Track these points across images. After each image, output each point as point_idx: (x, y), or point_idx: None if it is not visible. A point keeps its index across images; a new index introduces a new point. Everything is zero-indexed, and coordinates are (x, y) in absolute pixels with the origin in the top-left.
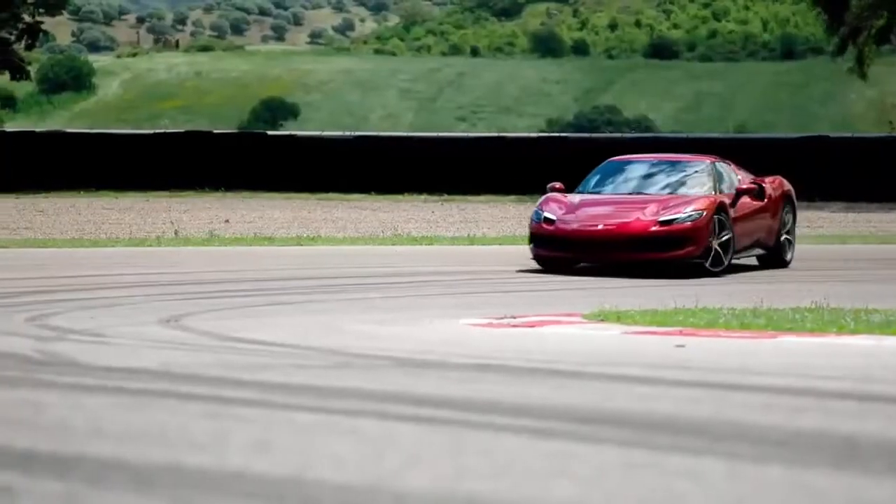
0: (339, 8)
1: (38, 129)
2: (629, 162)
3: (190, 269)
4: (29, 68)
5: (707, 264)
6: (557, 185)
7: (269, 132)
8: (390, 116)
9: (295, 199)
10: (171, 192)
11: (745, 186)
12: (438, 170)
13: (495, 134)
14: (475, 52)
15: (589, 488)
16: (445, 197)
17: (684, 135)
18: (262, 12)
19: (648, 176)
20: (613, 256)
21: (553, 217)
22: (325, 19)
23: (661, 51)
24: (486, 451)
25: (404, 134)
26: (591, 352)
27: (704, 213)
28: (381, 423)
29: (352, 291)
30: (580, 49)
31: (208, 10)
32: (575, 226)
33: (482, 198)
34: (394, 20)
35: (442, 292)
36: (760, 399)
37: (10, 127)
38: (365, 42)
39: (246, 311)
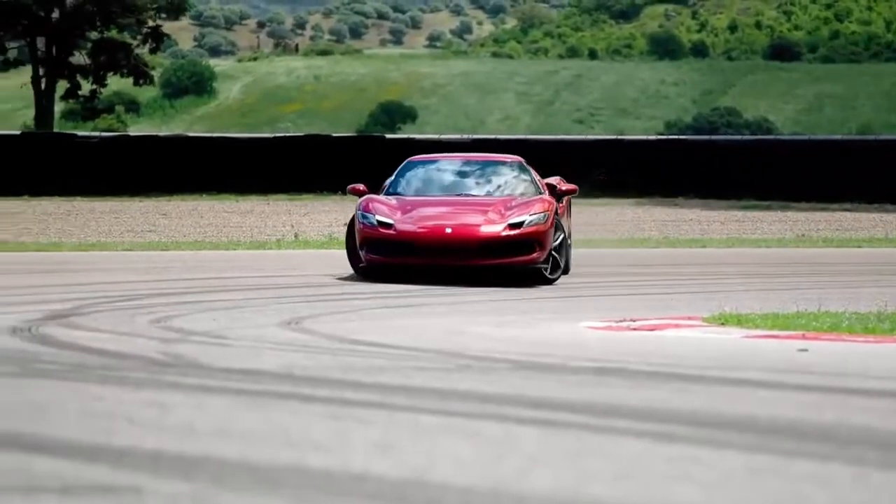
0: (456, 11)
1: (160, 133)
2: (434, 162)
3: (309, 272)
4: (152, 73)
5: (546, 271)
6: (360, 186)
7: (388, 135)
8: (507, 119)
9: None
10: (291, 195)
11: (565, 187)
12: (555, 172)
13: (613, 136)
14: (593, 55)
15: (713, 493)
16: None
17: (805, 136)
18: (381, 16)
19: (465, 176)
20: (461, 262)
21: (389, 220)
22: (443, 23)
23: (781, 52)
24: (607, 454)
25: (521, 137)
26: (712, 355)
27: (547, 216)
28: (502, 425)
29: (468, 294)
30: (699, 51)
31: (327, 14)
32: (418, 229)
33: (599, 200)
34: (511, 23)
35: (560, 295)
36: (885, 404)
37: (133, 131)
38: (482, 45)
39: (365, 313)
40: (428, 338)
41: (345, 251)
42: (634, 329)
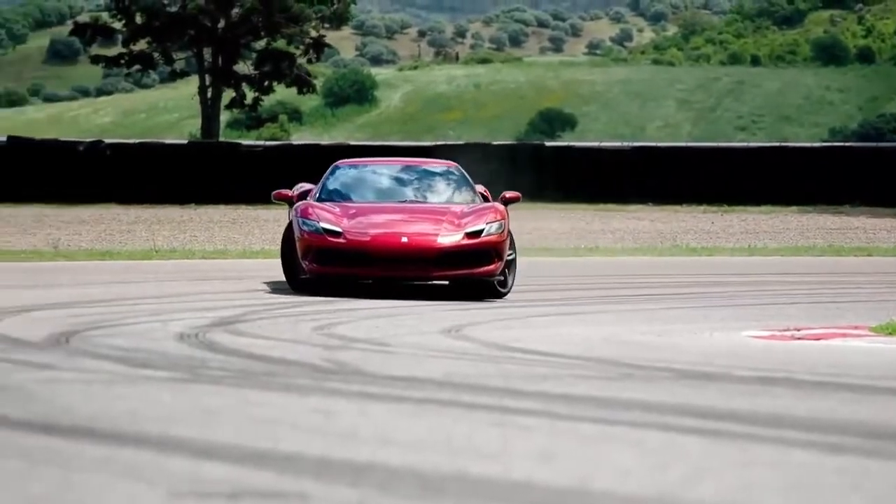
0: (616, 19)
1: (323, 142)
2: (367, 166)
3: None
4: (314, 82)
5: (499, 284)
6: (287, 191)
7: (547, 143)
8: (668, 126)
9: (573, 209)
10: None
11: (510, 195)
12: (717, 180)
13: (776, 143)
14: (755, 61)
15: None
16: (725, 208)
17: None
18: (541, 24)
19: (403, 182)
20: (418, 273)
21: (337, 228)
22: (603, 30)
23: None
24: (774, 465)
25: (682, 144)
26: (881, 365)
27: (503, 225)
28: (665, 434)
29: (631, 302)
30: (865, 56)
31: (487, 22)
32: (371, 238)
33: (762, 208)
34: (672, 30)
35: (722, 304)
36: None
37: (296, 139)
38: (643, 52)
39: (526, 321)
40: (589, 346)
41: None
42: (798, 338)
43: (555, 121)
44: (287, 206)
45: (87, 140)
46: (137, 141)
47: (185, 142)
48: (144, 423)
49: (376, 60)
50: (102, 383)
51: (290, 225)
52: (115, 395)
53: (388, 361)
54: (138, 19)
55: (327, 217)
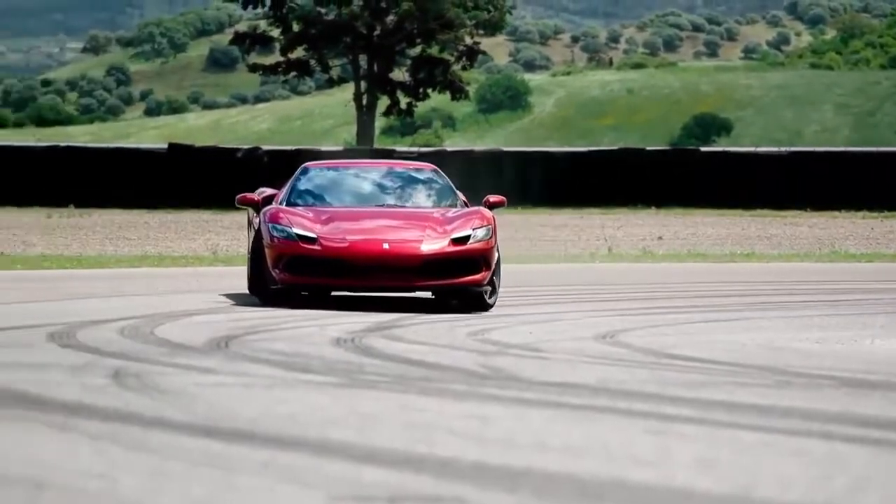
0: (773, 22)
1: (476, 148)
2: (339, 169)
3: (624, 286)
4: (468, 88)
5: (487, 295)
6: (253, 195)
7: (702, 148)
8: (825, 131)
9: (728, 215)
10: (604, 208)
11: (494, 199)
12: (877, 185)
13: None
14: None
15: None
16: (885, 213)
17: None
18: (696, 28)
19: (380, 185)
20: (400, 283)
21: (311, 234)
22: (760, 34)
23: None
24: None
25: (840, 149)
26: None
27: (491, 231)
28: (827, 443)
29: (788, 309)
30: None
31: (642, 27)
32: (349, 245)
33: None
34: (831, 33)
35: (883, 311)
36: None
37: (449, 146)
38: (800, 56)
39: (681, 327)
40: (746, 353)
41: (246, 272)
42: None
43: (709, 126)
44: (253, 212)
45: (245, 147)
46: (294, 147)
47: (341, 148)
48: (304, 426)
49: (530, 66)
50: (262, 387)
51: (257, 232)
52: (275, 398)
53: (544, 367)
54: (295, 27)
55: (300, 222)
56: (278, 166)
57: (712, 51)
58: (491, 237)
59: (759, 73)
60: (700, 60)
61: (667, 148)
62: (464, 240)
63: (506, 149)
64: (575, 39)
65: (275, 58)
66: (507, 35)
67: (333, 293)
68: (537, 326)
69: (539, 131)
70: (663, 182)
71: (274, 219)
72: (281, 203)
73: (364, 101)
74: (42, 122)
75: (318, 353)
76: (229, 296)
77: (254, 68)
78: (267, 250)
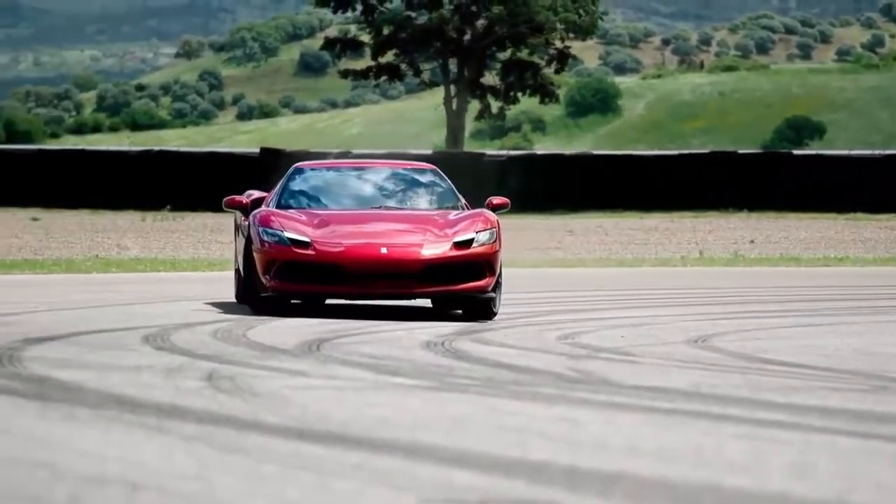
0: (868, 24)
1: (566, 152)
2: (333, 169)
3: (716, 290)
4: (558, 92)
5: (493, 303)
6: (241, 198)
7: (794, 151)
8: None
9: (821, 219)
10: (696, 212)
11: (497, 201)
12: None
13: None
14: None
15: None
16: None
17: None
18: (789, 31)
19: (377, 186)
20: (400, 290)
21: (305, 238)
22: (854, 36)
23: None
24: None
25: None
26: None
27: (495, 234)
28: None
29: (884, 313)
30: None
31: (733, 30)
32: (346, 250)
33: None
34: None
35: None
36: None
37: (539, 149)
38: (895, 58)
39: (773, 332)
40: (840, 357)
41: (234, 278)
42: None
43: (802, 129)
44: (242, 216)
45: (335, 150)
46: (384, 152)
47: (430, 152)
48: (395, 429)
49: (620, 69)
50: (353, 390)
51: (247, 237)
52: (366, 401)
53: (634, 371)
54: (385, 31)
55: (293, 226)
56: None
57: (805, 53)
58: (495, 241)
59: (853, 76)
60: (793, 63)
61: (759, 151)
62: (467, 244)
63: (596, 152)
64: (666, 42)
65: (365, 62)
66: (597, 38)
67: (328, 301)
68: (628, 330)
69: (629, 134)
70: (755, 185)
71: (265, 222)
72: (272, 205)
73: (454, 105)
74: (136, 126)
75: (408, 356)
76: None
77: (345, 74)
78: (256, 255)
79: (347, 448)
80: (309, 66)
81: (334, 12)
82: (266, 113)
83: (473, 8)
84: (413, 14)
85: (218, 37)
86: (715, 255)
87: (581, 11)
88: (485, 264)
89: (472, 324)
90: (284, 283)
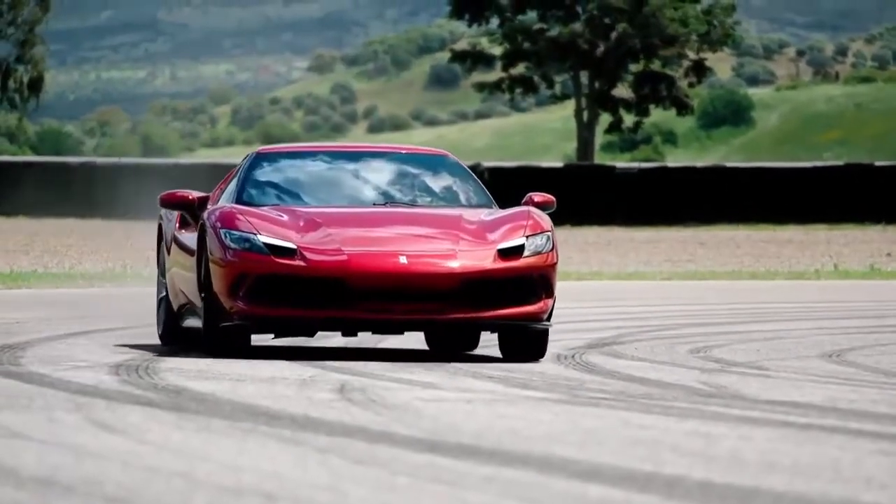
0: None
1: (698, 164)
2: (309, 155)
3: (851, 303)
4: (693, 104)
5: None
6: (185, 193)
7: None
8: None
9: None
10: (830, 224)
11: (539, 198)
12: None
13: None
14: None
15: None
16: None
17: None
18: None
19: (379, 178)
20: (426, 315)
21: (288, 244)
22: None
23: None
24: None
25: None
26: None
27: (550, 239)
28: None
29: None
30: None
31: (870, 40)
32: (349, 259)
33: None
34: None
35: None
36: None
37: (670, 161)
38: None
39: None
40: None
41: (156, 307)
42: None
43: None
44: (168, 219)
45: (468, 163)
46: (515, 164)
47: (561, 164)
48: (527, 442)
49: (753, 80)
50: (484, 402)
51: (202, 241)
52: (497, 414)
53: (768, 385)
54: (517, 43)
55: (270, 227)
56: (497, 182)
57: None
58: (552, 249)
59: None
60: None
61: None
62: (515, 252)
63: (728, 164)
64: (800, 53)
65: (494, 74)
66: (729, 49)
67: (319, 333)
68: (761, 344)
69: (762, 146)
70: (892, 197)
71: (228, 222)
72: (228, 200)
73: (585, 117)
74: (269, 140)
75: (539, 369)
76: None
77: (479, 87)
78: (216, 269)
79: (480, 460)
80: (440, 79)
81: (469, 25)
82: (397, 125)
83: (606, 20)
84: (545, 26)
85: (351, 50)
86: (850, 268)
87: (715, 22)
88: (539, 281)
89: (603, 337)
90: (259, 307)
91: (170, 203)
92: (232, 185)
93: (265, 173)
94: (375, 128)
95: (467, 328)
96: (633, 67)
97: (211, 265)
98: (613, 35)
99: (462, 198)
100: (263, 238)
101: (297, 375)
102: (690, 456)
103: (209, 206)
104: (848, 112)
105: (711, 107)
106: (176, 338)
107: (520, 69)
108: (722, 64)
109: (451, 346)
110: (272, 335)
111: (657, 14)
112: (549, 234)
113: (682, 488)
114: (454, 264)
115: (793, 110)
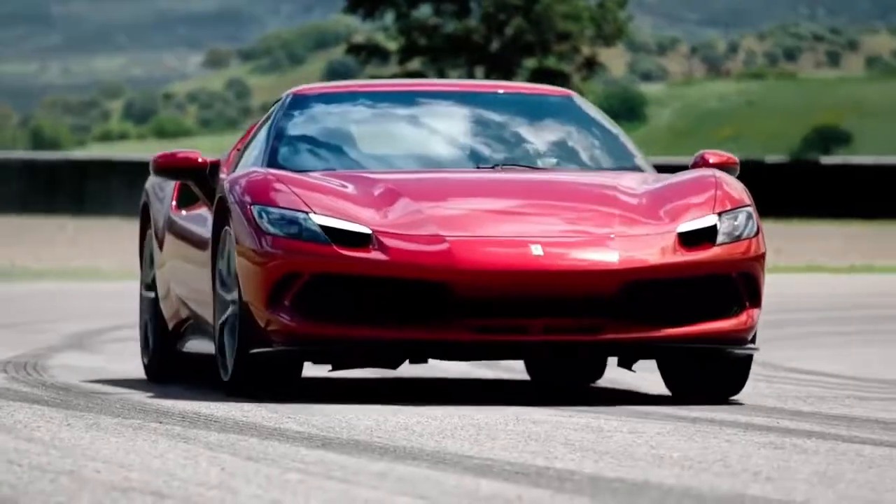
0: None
1: None
2: (359, 98)
3: None
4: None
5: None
6: (195, 155)
7: (822, 160)
8: None
9: (850, 227)
10: None
11: (717, 158)
12: None
13: None
14: None
15: None
16: None
17: None
18: (816, 38)
19: (473, 129)
20: (574, 332)
21: (359, 227)
22: (883, 44)
23: None
24: None
25: None
26: None
27: (754, 217)
28: None
29: None
30: None
31: (762, 37)
32: (450, 249)
33: None
34: None
35: None
36: None
37: None
38: None
39: (803, 341)
40: (869, 367)
41: (139, 326)
42: None
43: (829, 138)
44: (165, 196)
45: None
46: None
47: None
48: (419, 438)
49: (647, 77)
50: (378, 399)
51: (218, 228)
52: (391, 410)
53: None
54: (412, 39)
55: (328, 202)
56: None
57: (834, 61)
58: (758, 232)
59: (882, 84)
60: (821, 70)
61: (787, 160)
62: (704, 238)
63: None
64: (693, 50)
65: (390, 69)
66: (623, 46)
67: (395, 370)
68: None
69: (656, 142)
70: (784, 194)
71: (263, 194)
72: (253, 164)
73: None
74: (164, 135)
75: (436, 363)
76: None
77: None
78: (246, 266)
79: (373, 457)
80: (336, 74)
81: (363, 20)
82: None
83: (501, 17)
84: (441, 21)
85: (246, 45)
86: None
87: (607, 17)
88: (741, 282)
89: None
90: (313, 323)
91: (167, 168)
92: (259, 141)
93: (308, 123)
94: None
95: (631, 353)
96: (529, 63)
97: (238, 261)
98: (508, 31)
99: (601, 159)
100: (319, 218)
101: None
102: (582, 450)
103: (225, 174)
104: (740, 109)
105: (606, 103)
106: (171, 369)
107: (415, 64)
108: (616, 61)
109: (564, 376)
110: (329, 367)
111: (549, 10)
112: (750, 209)
113: (572, 483)
114: (612, 257)
115: (686, 107)
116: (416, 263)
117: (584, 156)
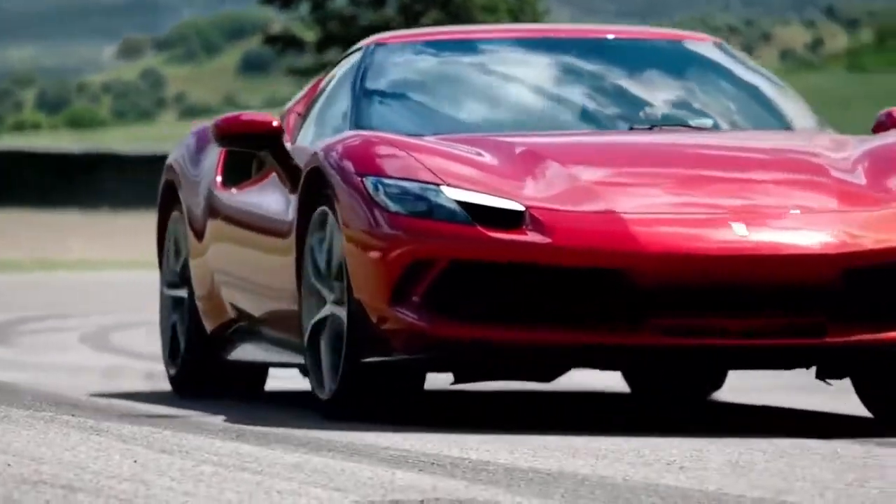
0: (810, 24)
1: None
2: (459, 45)
3: None
4: None
5: None
6: (269, 118)
7: None
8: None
9: None
10: None
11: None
12: None
13: None
14: None
15: None
16: None
17: None
18: (731, 30)
19: (613, 81)
20: (790, 335)
21: (508, 203)
22: (796, 37)
23: None
24: None
25: None
26: None
27: None
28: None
29: None
30: None
31: (676, 27)
32: (629, 226)
33: None
34: (867, 36)
35: None
36: None
37: None
38: (836, 59)
39: None
40: None
41: (161, 326)
42: None
43: None
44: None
45: None
46: None
47: None
48: (335, 429)
49: None
50: (294, 389)
51: (305, 210)
52: (306, 401)
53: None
54: (329, 29)
55: (463, 171)
56: None
57: (748, 52)
58: None
59: (796, 76)
60: None
61: None
62: None
63: None
64: None
65: (307, 60)
66: None
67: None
68: None
69: None
70: None
71: (375, 163)
72: (348, 127)
73: None
74: (78, 125)
75: None
76: None
77: (292, 72)
78: (358, 255)
79: (287, 449)
80: (252, 65)
81: (280, 9)
82: (209, 112)
83: (418, 7)
84: (357, 12)
85: (160, 34)
86: None
87: (525, 9)
88: None
89: None
90: (452, 322)
91: (237, 135)
92: (338, 100)
93: (403, 77)
94: (186, 114)
95: (854, 361)
96: None
97: (347, 248)
98: (425, 21)
99: (763, 118)
100: (454, 192)
101: (103, 365)
102: (496, 441)
103: (296, 141)
104: None
105: None
106: (209, 381)
107: (333, 54)
108: None
109: (676, 387)
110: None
111: (466, 1)
112: None
113: (487, 473)
114: (829, 238)
115: None
116: (587, 247)
117: (749, 115)
